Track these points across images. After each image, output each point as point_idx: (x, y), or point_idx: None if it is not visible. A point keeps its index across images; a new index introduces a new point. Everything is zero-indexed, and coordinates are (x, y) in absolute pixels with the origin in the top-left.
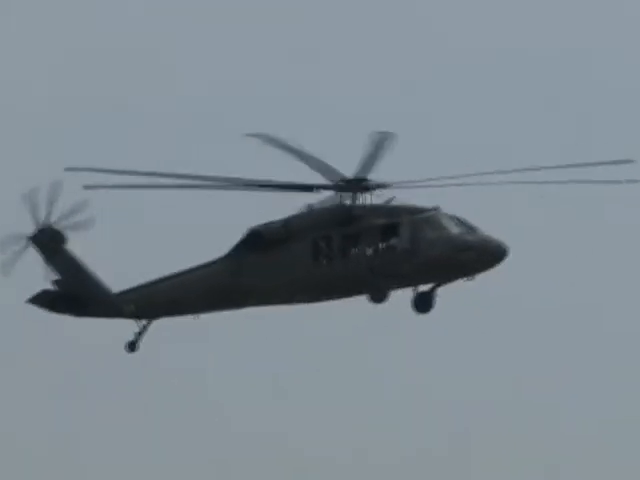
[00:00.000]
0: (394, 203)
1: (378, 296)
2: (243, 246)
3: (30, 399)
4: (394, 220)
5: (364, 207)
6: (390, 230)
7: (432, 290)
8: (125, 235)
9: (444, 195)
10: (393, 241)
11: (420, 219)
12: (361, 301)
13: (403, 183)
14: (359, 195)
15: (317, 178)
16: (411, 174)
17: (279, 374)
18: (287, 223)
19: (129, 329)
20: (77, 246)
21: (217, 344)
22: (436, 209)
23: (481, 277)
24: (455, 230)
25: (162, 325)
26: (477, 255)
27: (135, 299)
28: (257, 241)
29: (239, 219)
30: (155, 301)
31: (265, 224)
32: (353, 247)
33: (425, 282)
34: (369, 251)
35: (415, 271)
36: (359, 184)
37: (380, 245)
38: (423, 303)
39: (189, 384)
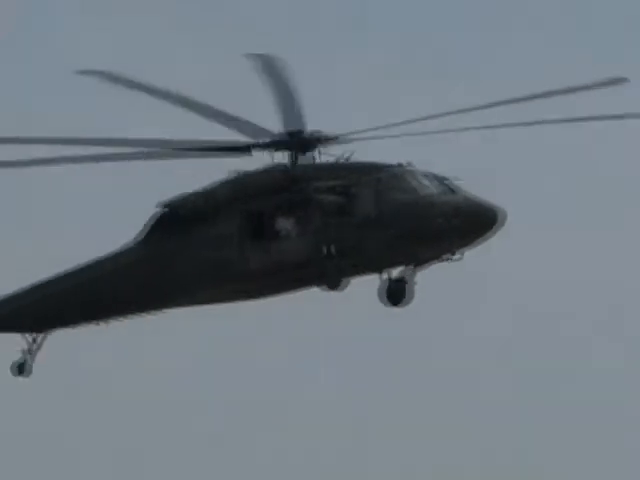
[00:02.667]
0: (348, 161)
1: (333, 280)
2: (152, 229)
3: None
4: (349, 181)
5: (308, 167)
6: (345, 194)
7: (405, 276)
8: None
9: (406, 148)
10: (350, 208)
11: (385, 177)
12: (311, 293)
13: (353, 134)
14: (302, 155)
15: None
16: (352, 123)
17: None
18: (208, 194)
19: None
20: None
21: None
22: (404, 165)
23: (470, 254)
24: (431, 190)
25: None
26: (464, 222)
27: (13, 308)
28: (170, 220)
29: (142, 196)
30: (42, 309)
31: (179, 197)
32: (297, 220)
33: (394, 263)
34: (318, 224)
35: (381, 247)
36: (300, 139)
37: (332, 215)
38: (395, 292)
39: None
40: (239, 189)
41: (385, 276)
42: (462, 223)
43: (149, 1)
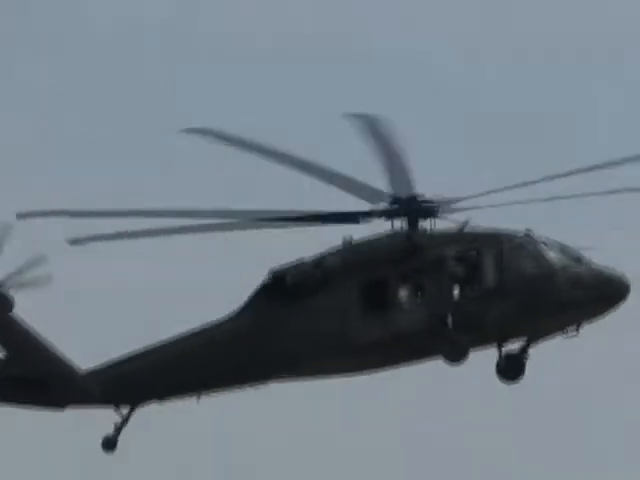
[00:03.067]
0: (468, 228)
1: (456, 353)
2: (261, 297)
3: None
4: (473, 250)
5: (428, 235)
6: (468, 263)
7: (523, 350)
8: (95, 296)
9: (521, 215)
10: (473, 278)
11: (509, 247)
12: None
13: (465, 199)
14: (416, 221)
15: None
16: (462, 187)
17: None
18: (322, 262)
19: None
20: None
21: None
22: (528, 233)
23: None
24: (559, 260)
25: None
26: (592, 294)
27: (112, 378)
28: (280, 288)
29: (247, 265)
30: (141, 380)
31: (290, 265)
32: (417, 290)
33: (518, 335)
34: (440, 295)
35: (506, 320)
36: (414, 205)
37: (455, 285)
38: (512, 368)
39: None
40: (355, 258)
41: (503, 351)
42: (590, 295)
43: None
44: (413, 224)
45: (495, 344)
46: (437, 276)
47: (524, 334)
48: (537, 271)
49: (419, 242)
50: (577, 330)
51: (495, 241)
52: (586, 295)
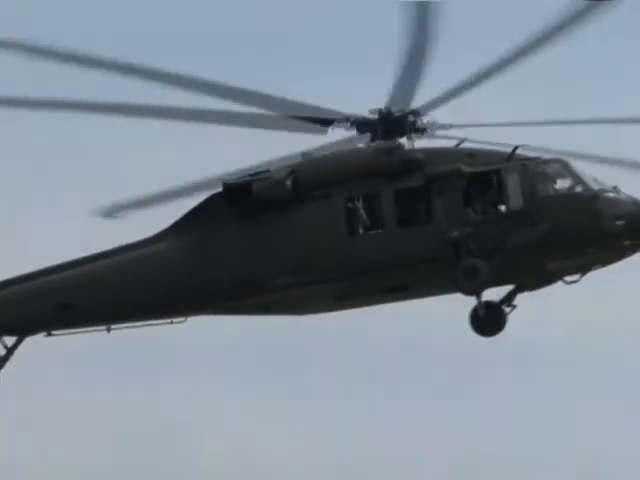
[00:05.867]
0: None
1: (472, 277)
2: (211, 212)
3: None
4: (490, 167)
5: (429, 151)
6: (484, 182)
7: (508, 299)
8: None
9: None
10: (491, 199)
11: (535, 168)
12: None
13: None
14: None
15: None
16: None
17: None
18: (294, 173)
19: None
20: None
21: None
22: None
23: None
24: (596, 186)
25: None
26: (632, 226)
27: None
28: (238, 203)
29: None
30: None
31: (248, 175)
32: (419, 211)
33: (556, 270)
34: (450, 216)
35: (538, 248)
36: (404, 121)
37: (469, 207)
38: (493, 320)
39: None
40: (338, 169)
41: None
42: (630, 227)
43: None
44: (410, 137)
45: (519, 280)
46: (445, 194)
47: (551, 269)
48: (577, 195)
49: (418, 158)
50: (584, 274)
51: (517, 160)
52: (627, 226)
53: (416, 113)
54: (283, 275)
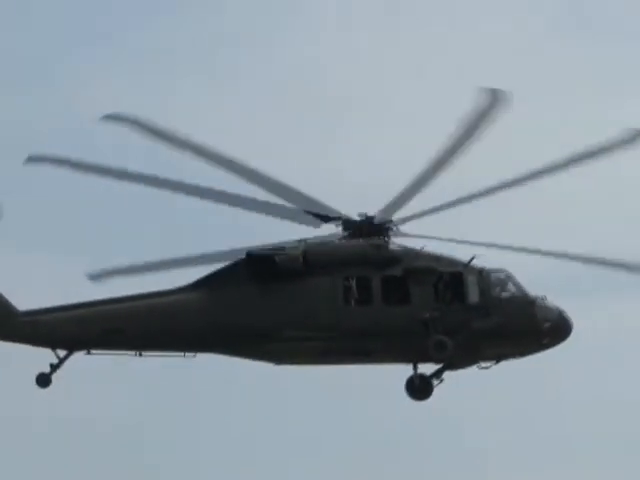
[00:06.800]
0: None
1: (441, 350)
2: (236, 273)
3: None
4: (454, 269)
5: (407, 250)
6: (450, 279)
7: (438, 373)
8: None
9: None
10: (455, 292)
11: (489, 274)
12: None
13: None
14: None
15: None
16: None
17: None
18: (306, 252)
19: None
20: None
21: None
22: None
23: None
24: (532, 294)
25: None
26: (554, 328)
27: (53, 321)
28: (264, 268)
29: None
30: (87, 326)
31: (271, 249)
32: (399, 294)
33: (486, 356)
34: (423, 302)
35: (485, 335)
36: (380, 228)
37: (438, 297)
38: (424, 388)
39: None
40: (339, 254)
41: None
42: (553, 329)
43: None
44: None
45: (469, 361)
46: (420, 285)
47: (493, 354)
48: (518, 299)
49: (399, 255)
50: (498, 362)
51: (474, 266)
52: (551, 328)
53: (391, 222)
54: (288, 329)
